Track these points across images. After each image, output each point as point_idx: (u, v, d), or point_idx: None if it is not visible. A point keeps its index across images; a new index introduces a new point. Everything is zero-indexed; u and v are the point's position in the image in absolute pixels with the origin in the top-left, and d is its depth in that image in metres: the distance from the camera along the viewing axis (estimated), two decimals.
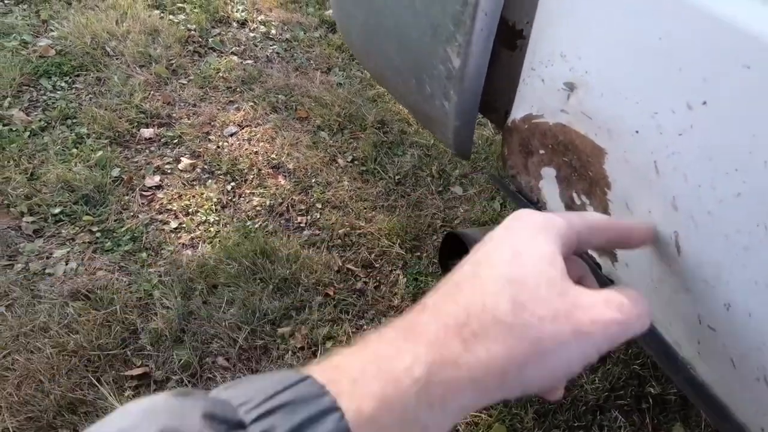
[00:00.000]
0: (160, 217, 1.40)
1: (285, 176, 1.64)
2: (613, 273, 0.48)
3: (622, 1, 0.35)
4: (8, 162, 1.38)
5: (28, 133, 1.49)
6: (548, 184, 0.51)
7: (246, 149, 1.69)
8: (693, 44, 0.32)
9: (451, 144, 0.58)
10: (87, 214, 1.32)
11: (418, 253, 1.50)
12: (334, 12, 0.75)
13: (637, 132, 0.37)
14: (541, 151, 0.49)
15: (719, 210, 0.34)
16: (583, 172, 0.44)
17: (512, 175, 0.56)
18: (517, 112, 0.50)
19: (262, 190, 1.57)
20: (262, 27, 2.29)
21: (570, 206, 0.49)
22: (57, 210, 1.30)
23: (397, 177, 1.70)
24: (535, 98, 0.47)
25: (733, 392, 0.39)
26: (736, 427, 0.40)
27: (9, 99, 1.57)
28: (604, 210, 0.44)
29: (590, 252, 0.50)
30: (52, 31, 1.88)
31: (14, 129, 1.49)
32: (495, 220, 1.62)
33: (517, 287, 0.26)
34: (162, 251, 1.30)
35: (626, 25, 0.36)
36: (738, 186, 0.33)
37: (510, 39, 0.50)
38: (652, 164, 0.37)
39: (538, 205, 0.54)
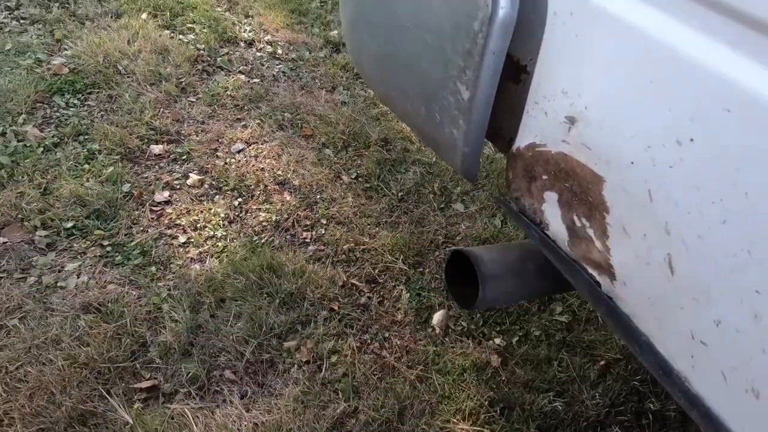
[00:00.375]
0: (169, 231, 1.43)
1: (291, 192, 1.67)
2: (611, 291, 0.51)
3: (618, 47, 0.39)
4: (22, 177, 1.41)
5: (41, 149, 1.53)
6: (550, 207, 0.54)
7: (253, 166, 1.73)
8: (681, 88, 0.36)
9: (458, 168, 0.62)
10: (98, 229, 1.35)
11: (421, 269, 1.53)
12: (346, 38, 0.80)
13: (632, 163, 0.41)
14: (544, 177, 0.53)
15: (708, 235, 0.38)
16: (583, 198, 0.48)
17: (516, 198, 0.60)
18: (522, 141, 0.54)
19: (268, 206, 1.60)
20: (268, 47, 2.36)
21: (572, 227, 0.53)
22: (69, 224, 1.33)
23: (400, 194, 1.74)
24: (538, 129, 0.51)
25: (725, 403, 0.42)
26: (710, 419, 0.43)
27: (23, 116, 1.62)
28: (602, 230, 0.48)
29: (589, 270, 0.53)
30: (65, 49, 1.93)
31: (28, 145, 1.53)
32: (496, 237, 1.66)
33: None
34: (171, 265, 1.33)
35: (622, 69, 0.40)
36: (723, 214, 0.36)
37: (515, 73, 0.54)
38: (646, 192, 0.41)
39: (540, 225, 0.58)
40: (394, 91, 0.67)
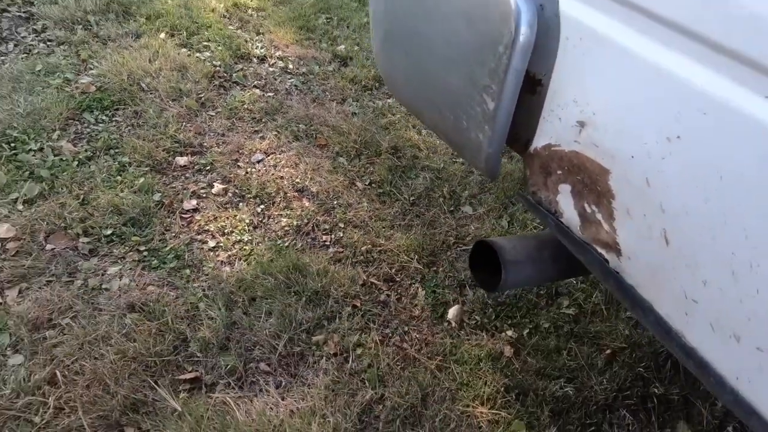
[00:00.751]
0: (199, 237, 1.53)
1: (309, 199, 1.77)
2: (618, 266, 0.61)
3: (618, 66, 0.50)
4: (62, 189, 1.51)
5: (76, 163, 1.63)
6: (564, 198, 0.65)
7: (272, 174, 1.83)
8: (667, 97, 0.46)
9: (482, 168, 0.72)
10: (135, 235, 1.44)
11: (435, 268, 1.63)
12: (378, 55, 0.91)
13: (632, 157, 0.52)
14: (558, 172, 0.63)
15: (694, 211, 0.48)
16: (592, 187, 0.58)
17: (533, 192, 0.70)
18: (539, 142, 0.65)
19: (289, 212, 1.70)
20: (280, 62, 2.48)
21: (583, 214, 0.63)
22: (108, 231, 1.42)
23: (411, 198, 1.84)
24: (553, 132, 0.61)
25: (714, 351, 0.52)
26: (717, 379, 0.52)
27: (58, 132, 1.72)
28: (609, 214, 0.58)
29: (599, 250, 0.63)
30: (91, 69, 2.04)
31: (64, 159, 1.63)
32: (505, 236, 1.76)
33: None
34: (203, 268, 1.42)
35: (622, 82, 0.50)
36: (705, 193, 0.47)
37: (531, 86, 0.64)
38: (644, 180, 0.51)
39: (555, 214, 0.68)
40: (423, 102, 0.78)
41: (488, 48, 0.59)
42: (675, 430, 1.33)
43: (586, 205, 0.61)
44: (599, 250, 0.62)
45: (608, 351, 1.47)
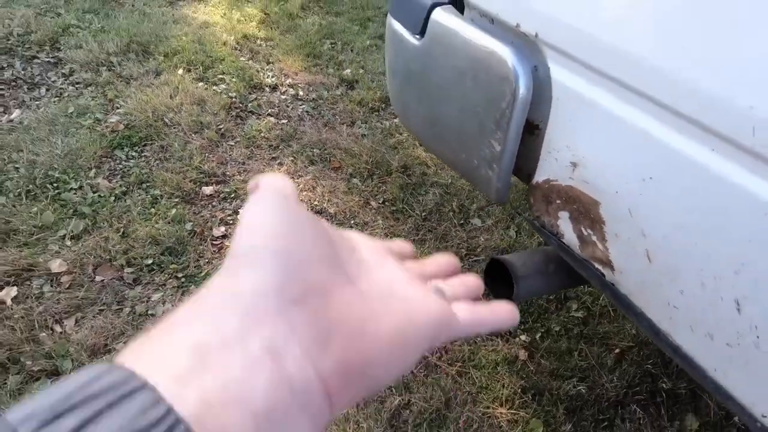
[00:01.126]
0: None
1: (328, 219, 1.89)
2: (613, 279, 0.72)
3: (600, 121, 0.62)
4: (103, 223, 1.65)
5: (113, 198, 1.77)
6: (564, 222, 0.76)
7: None
8: (640, 146, 0.58)
9: (492, 198, 0.84)
10: (172, 263, 1.57)
11: None
12: (394, 101, 1.03)
13: (617, 192, 0.63)
14: (557, 201, 0.75)
15: (669, 235, 0.59)
16: (586, 215, 0.70)
17: (537, 216, 0.82)
18: (540, 176, 0.76)
19: None
20: (291, 89, 2.62)
21: (581, 237, 0.74)
22: (149, 261, 1.55)
23: (423, 214, 1.96)
24: (550, 169, 0.73)
25: (695, 348, 0.63)
26: (700, 372, 0.63)
27: (94, 170, 1.86)
28: (602, 237, 0.69)
29: (596, 266, 0.74)
30: (118, 108, 2.19)
31: (102, 195, 1.76)
32: (512, 246, 1.86)
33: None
34: None
35: (603, 133, 0.62)
36: (676, 221, 0.58)
37: (531, 130, 0.76)
38: (627, 211, 0.63)
39: (557, 236, 0.79)
40: (438, 142, 0.90)
41: (493, 103, 0.71)
42: (684, 423, 1.42)
43: (582, 229, 0.72)
44: (596, 265, 0.74)
45: (617, 350, 1.57)
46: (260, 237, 0.21)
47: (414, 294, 0.26)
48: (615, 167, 0.62)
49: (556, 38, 0.63)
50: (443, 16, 0.77)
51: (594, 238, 0.71)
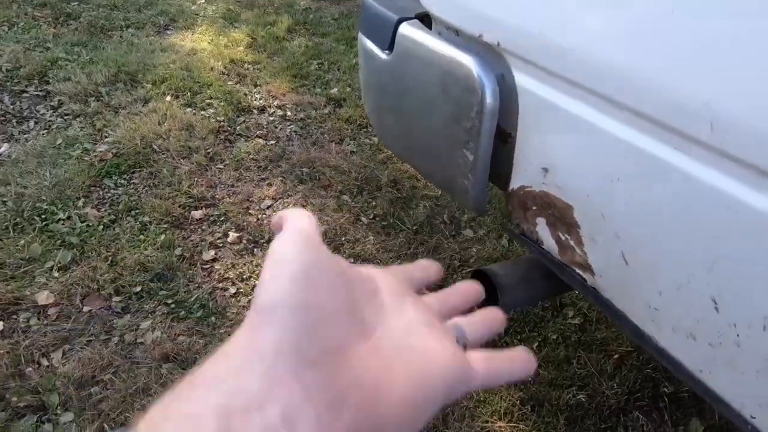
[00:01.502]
0: (220, 285, 1.64)
1: None
2: (594, 284, 0.71)
3: (565, 125, 0.62)
4: (92, 252, 1.64)
5: (102, 227, 1.76)
6: (542, 228, 0.75)
7: None
8: (605, 148, 0.58)
9: (471, 207, 0.83)
10: (162, 290, 1.56)
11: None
12: (371, 117, 1.03)
13: (587, 195, 0.63)
14: (534, 208, 0.74)
15: (640, 236, 0.59)
16: (562, 220, 0.69)
17: (516, 223, 0.81)
18: (515, 183, 0.76)
19: None
20: (278, 111, 2.64)
21: (559, 241, 0.73)
22: (138, 288, 1.54)
23: (414, 227, 1.95)
24: (524, 176, 0.73)
25: (678, 349, 0.62)
26: (687, 373, 0.62)
27: (82, 199, 1.86)
28: (579, 241, 0.69)
29: (577, 270, 0.73)
30: (107, 137, 2.21)
31: (91, 224, 1.76)
32: (506, 255, 1.85)
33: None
34: (227, 314, 1.53)
35: (570, 138, 0.62)
36: (645, 223, 0.57)
37: (503, 137, 0.76)
38: (600, 213, 0.62)
39: (537, 242, 0.79)
40: (414, 155, 0.90)
41: (462, 113, 0.71)
42: (688, 427, 1.39)
43: (560, 234, 0.72)
44: (577, 270, 0.73)
45: (616, 356, 1.54)
46: (281, 289, 0.22)
47: (431, 345, 0.26)
48: (583, 170, 0.62)
49: (517, 46, 0.63)
50: (410, 31, 0.78)
51: (571, 242, 0.70)
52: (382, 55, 0.84)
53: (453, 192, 0.86)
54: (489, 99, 0.68)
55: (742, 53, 0.44)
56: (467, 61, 0.69)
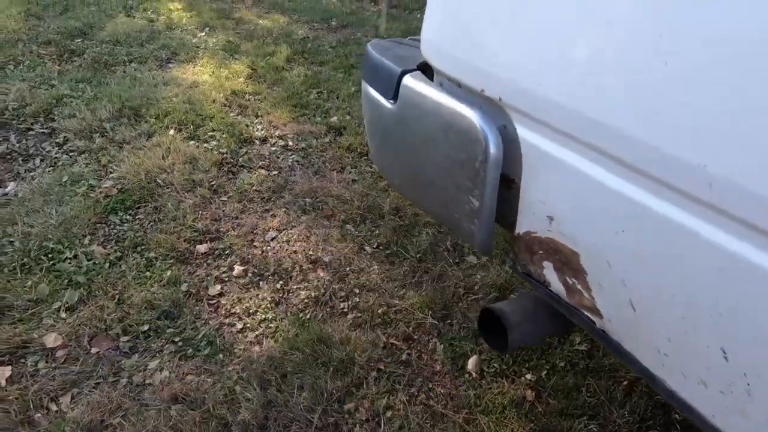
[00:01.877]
0: (227, 320, 1.64)
1: (323, 269, 1.90)
2: (603, 326, 0.72)
3: (566, 178, 0.64)
4: (98, 291, 1.64)
5: (108, 264, 1.77)
6: (549, 272, 0.77)
7: (287, 250, 1.96)
8: (607, 200, 0.60)
9: (477, 248, 0.85)
10: (169, 328, 1.56)
11: (449, 321, 1.72)
12: (374, 154, 1.06)
13: (594, 244, 0.64)
14: (540, 252, 0.76)
15: (646, 285, 0.60)
16: (569, 265, 0.71)
17: (523, 265, 0.83)
18: (521, 228, 0.78)
19: (306, 284, 1.82)
20: (280, 141, 2.68)
21: (566, 285, 0.75)
22: (145, 327, 1.54)
23: (418, 255, 1.96)
24: (530, 222, 0.75)
25: (690, 394, 0.63)
26: (699, 417, 0.62)
27: (88, 237, 1.87)
28: (586, 286, 0.70)
29: (585, 313, 0.74)
30: (111, 173, 2.23)
31: (97, 262, 1.77)
32: (509, 282, 1.86)
33: None
34: (235, 350, 1.52)
35: (572, 190, 0.64)
36: (651, 271, 0.59)
37: (507, 184, 0.78)
38: (606, 262, 0.64)
39: (544, 284, 0.80)
40: (420, 198, 0.92)
41: (467, 163, 0.74)
42: None
43: (567, 278, 0.73)
44: (585, 313, 0.74)
45: (625, 382, 1.54)
46: None
47: None
48: (588, 221, 0.63)
49: (518, 102, 0.66)
50: (413, 83, 0.81)
51: (579, 287, 0.72)
52: (387, 105, 0.87)
53: (460, 233, 0.87)
54: (492, 150, 0.70)
55: (734, 124, 0.46)
56: (470, 114, 0.71)
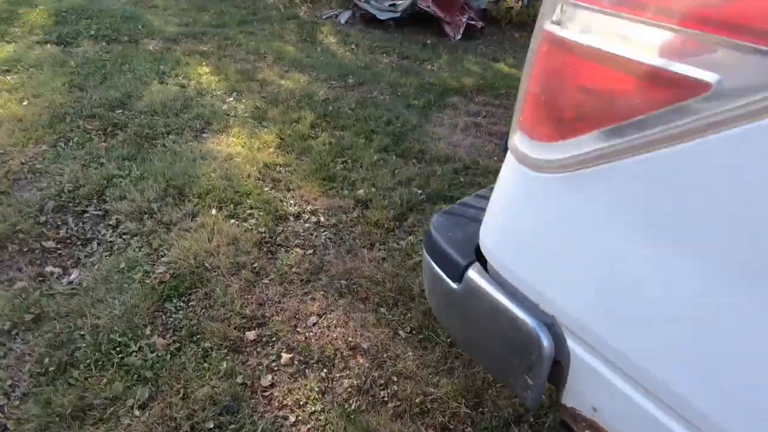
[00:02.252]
0: (280, 413, 1.80)
1: (362, 355, 2.07)
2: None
3: (610, 392, 0.82)
4: (165, 386, 1.81)
5: (169, 356, 1.95)
6: None
7: (328, 336, 2.14)
8: (647, 422, 0.78)
9: (528, 405, 1.03)
10: (231, 423, 1.72)
11: (481, 409, 1.88)
12: (436, 313, 1.24)
13: None
14: (584, 423, 0.94)
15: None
16: None
17: (568, 422, 1.00)
18: (567, 401, 0.96)
19: (348, 372, 1.99)
20: (312, 216, 2.88)
21: None
22: (210, 425, 1.71)
23: (449, 339, 2.13)
24: (575, 401, 0.93)
25: None
26: None
27: (149, 327, 2.06)
28: None
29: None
30: (163, 257, 2.43)
31: (160, 355, 1.95)
32: None
33: None
34: None
35: (614, 400, 0.82)
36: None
37: (558, 363, 0.96)
38: None
39: None
40: (477, 358, 1.10)
41: (523, 352, 0.92)
42: None
43: None
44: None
45: None
46: None
47: None
48: (631, 424, 0.81)
49: (573, 327, 0.85)
50: (476, 277, 1.00)
51: None
52: (452, 284, 1.06)
53: (512, 390, 1.05)
54: (546, 350, 0.89)
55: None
56: (527, 318, 0.90)
